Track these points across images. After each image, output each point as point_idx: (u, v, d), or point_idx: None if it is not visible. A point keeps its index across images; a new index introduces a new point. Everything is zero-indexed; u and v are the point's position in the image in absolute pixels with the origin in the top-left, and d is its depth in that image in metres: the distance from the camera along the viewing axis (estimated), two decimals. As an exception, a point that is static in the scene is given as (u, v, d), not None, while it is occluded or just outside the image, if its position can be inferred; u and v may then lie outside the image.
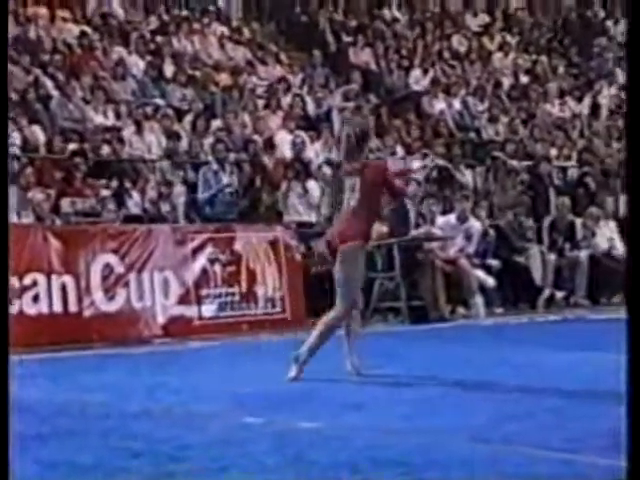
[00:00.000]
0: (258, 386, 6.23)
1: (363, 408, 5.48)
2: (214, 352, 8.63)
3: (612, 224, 13.32)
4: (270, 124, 13.41)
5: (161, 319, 9.40)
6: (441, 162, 13.68)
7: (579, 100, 16.75)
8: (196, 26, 15.22)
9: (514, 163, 13.97)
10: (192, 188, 11.63)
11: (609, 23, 18.97)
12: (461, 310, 11.47)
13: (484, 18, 18.07)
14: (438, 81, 15.67)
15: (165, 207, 11.09)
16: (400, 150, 13.66)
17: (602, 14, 19.17)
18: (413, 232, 11.39)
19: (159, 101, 13.14)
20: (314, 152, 13.04)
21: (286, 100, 14.02)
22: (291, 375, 6.39)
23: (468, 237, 11.87)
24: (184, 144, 12.37)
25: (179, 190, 11.40)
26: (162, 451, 4.28)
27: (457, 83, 15.81)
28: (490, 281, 11.76)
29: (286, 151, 12.83)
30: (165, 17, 15.27)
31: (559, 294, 12.56)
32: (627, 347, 3.65)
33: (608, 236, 13.17)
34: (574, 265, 12.59)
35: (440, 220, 11.80)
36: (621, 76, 17.72)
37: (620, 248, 13.04)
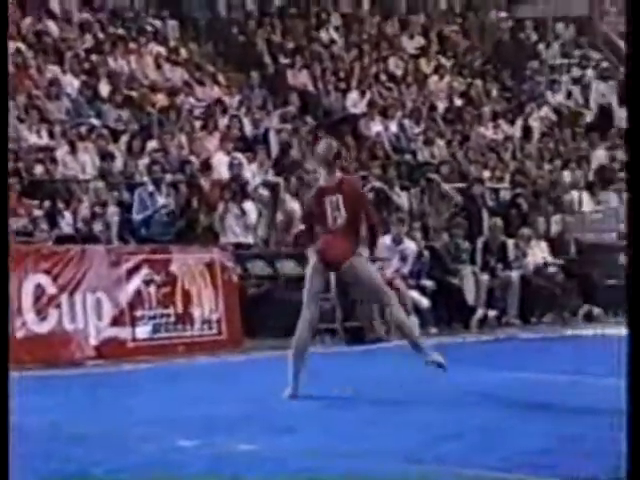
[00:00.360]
0: (193, 408, 6.21)
1: (299, 430, 5.50)
2: (148, 374, 8.56)
3: (543, 244, 13.57)
4: (207, 145, 13.41)
5: (94, 341, 9.30)
6: (377, 184, 13.89)
7: (511, 123, 17.06)
8: (132, 46, 15.14)
9: (447, 186, 14.18)
10: (127, 209, 11.55)
11: (541, 46, 19.37)
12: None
13: (420, 41, 18.32)
14: (375, 103, 15.82)
15: (98, 227, 11.00)
16: (337, 172, 13.73)
17: (534, 37, 19.57)
18: None
19: (94, 121, 13.04)
20: (251, 173, 13.06)
21: (223, 121, 14.03)
22: None
23: (403, 258, 12.00)
24: (119, 164, 12.29)
25: (113, 210, 11.32)
26: (96, 474, 4.24)
27: (393, 105, 15.98)
28: (424, 302, 11.89)
29: (223, 172, 12.83)
30: (100, 35, 15.17)
31: (491, 314, 12.74)
32: (627, 361, 3.82)
33: (539, 256, 13.40)
34: (506, 285, 12.79)
35: (377, 241, 11.90)
36: (552, 98, 18.13)
37: (551, 268, 13.31)
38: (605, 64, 18.81)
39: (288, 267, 12.04)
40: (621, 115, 17.79)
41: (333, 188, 6.80)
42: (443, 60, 17.95)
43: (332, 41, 17.40)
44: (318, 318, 6.92)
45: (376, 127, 15.35)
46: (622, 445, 5.00)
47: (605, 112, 17.88)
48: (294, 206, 12.70)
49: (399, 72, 17.22)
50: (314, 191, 7.01)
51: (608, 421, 5.70)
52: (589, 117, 17.82)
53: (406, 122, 15.80)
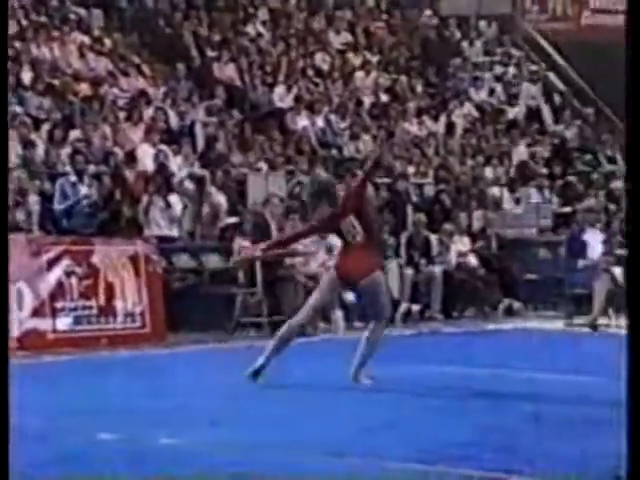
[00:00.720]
0: (115, 402, 6.12)
1: (224, 423, 5.45)
2: (69, 366, 8.43)
3: (465, 239, 13.74)
4: (132, 136, 13.22)
5: (15, 331, 9.11)
6: (304, 178, 13.88)
7: (435, 119, 17.22)
8: (55, 34, 14.86)
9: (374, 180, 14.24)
10: (48, 199, 11.33)
11: (464, 44, 19.60)
12: (322, 325, 11.51)
13: (346, 36, 18.36)
14: (301, 98, 15.80)
15: (20, 216, 10.77)
16: (263, 166, 13.72)
17: (458, 35, 19.79)
18: None
19: (16, 109, 12.76)
20: (176, 166, 12.93)
21: (148, 113, 13.85)
22: None
23: (329, 252, 11.99)
24: (40, 153, 12.05)
25: (34, 200, 11.10)
26: (15, 469, 4.15)
27: (320, 100, 16.00)
28: (350, 296, 11.93)
29: (148, 164, 12.67)
30: (24, 22, 14.84)
31: (415, 308, 12.85)
32: (627, 356, 3.82)
33: (461, 251, 13.55)
34: (429, 280, 12.91)
35: (301, 235, 11.90)
36: (475, 95, 18.36)
37: (473, 262, 13.50)
38: (534, 67, 19.14)
39: (213, 261, 11.98)
40: (547, 116, 18.33)
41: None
42: (369, 56, 18.03)
43: (259, 35, 17.32)
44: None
45: (303, 122, 15.34)
46: (542, 436, 5.13)
47: (533, 114, 18.20)
48: (220, 199, 12.63)
49: (326, 67, 17.24)
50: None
51: (529, 413, 5.84)
52: (510, 114, 18.10)
53: (332, 117, 15.83)
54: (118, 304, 9.89)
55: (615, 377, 6.86)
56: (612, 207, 15.49)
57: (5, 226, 4.75)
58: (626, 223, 4.51)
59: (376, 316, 7.10)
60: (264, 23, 17.82)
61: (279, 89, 15.98)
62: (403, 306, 12.74)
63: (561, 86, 19.16)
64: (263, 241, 11.48)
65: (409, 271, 12.84)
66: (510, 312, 13.33)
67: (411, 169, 15.32)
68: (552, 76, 19.22)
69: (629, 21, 4.00)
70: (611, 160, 17.74)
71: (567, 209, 15.33)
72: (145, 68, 15.38)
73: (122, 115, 13.66)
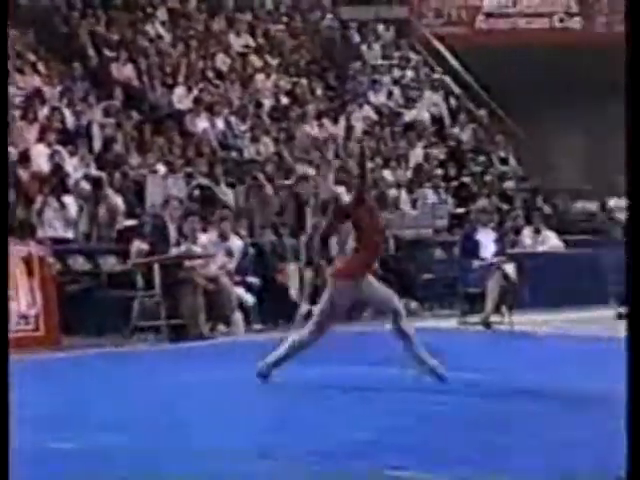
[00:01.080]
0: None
1: (124, 428, 5.37)
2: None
3: None
4: (26, 136, 12.93)
5: None
6: (203, 181, 13.80)
7: (335, 121, 17.33)
8: (-53, 30, 14.42)
9: (273, 183, 14.26)
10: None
11: (364, 47, 19.80)
12: (221, 327, 11.50)
13: (247, 39, 18.34)
14: (201, 100, 15.71)
15: None
16: (162, 168, 13.58)
17: (357, 38, 19.97)
18: (174, 250, 11.29)
19: None
20: (72, 167, 12.69)
21: (43, 112, 13.56)
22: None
23: (229, 255, 11.98)
24: None
25: None
26: None
27: (220, 102, 15.92)
28: (250, 298, 11.93)
29: (42, 165, 12.41)
30: None
31: (315, 309, 12.86)
32: (627, 357, 3.86)
33: None
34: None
35: (201, 238, 11.79)
36: (373, 98, 18.57)
37: None
38: (436, 75, 19.46)
39: (110, 263, 11.79)
40: (446, 119, 18.68)
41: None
42: (269, 59, 18.04)
43: (159, 36, 17.15)
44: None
45: (202, 124, 15.24)
46: (436, 433, 5.19)
47: (436, 120, 18.51)
48: (117, 201, 12.44)
49: (226, 69, 17.18)
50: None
51: (429, 413, 5.91)
52: (408, 117, 18.36)
53: (232, 119, 15.78)
54: (11, 306, 9.63)
55: (503, 373, 7.07)
56: (504, 207, 15.87)
57: (5, 226, 4.70)
58: (627, 225, 4.43)
59: (390, 309, 7.36)
60: (163, 23, 17.65)
61: (179, 90, 15.85)
62: (303, 308, 12.78)
63: (456, 89, 19.53)
64: (162, 243, 11.55)
65: (309, 273, 12.85)
66: (407, 312, 13.47)
67: (311, 171, 15.41)
68: (448, 79, 19.61)
69: (629, 22, 4.07)
70: (504, 161, 18.19)
71: (461, 210, 15.64)
72: (41, 66, 15.06)
73: (17, 114, 13.34)
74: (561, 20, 19.01)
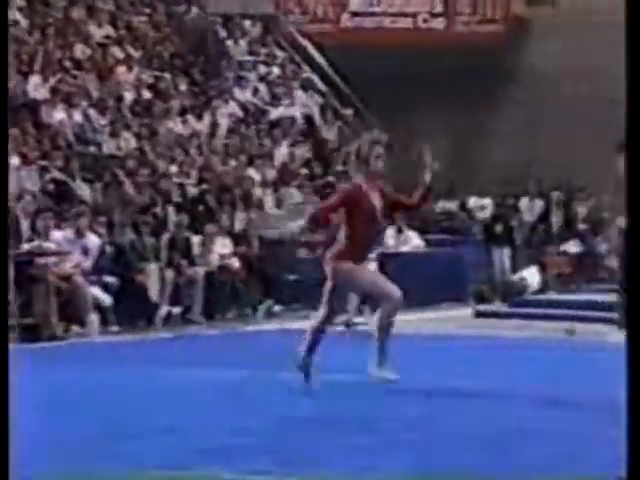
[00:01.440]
0: None
1: None
2: None
3: (227, 240, 13.70)
4: None
5: None
6: (58, 175, 13.35)
7: (199, 118, 17.14)
8: None
9: (135, 179, 13.96)
10: None
11: (229, 43, 19.66)
12: (75, 328, 11.22)
13: (108, 29, 17.87)
14: (58, 90, 15.19)
15: None
16: (16, 161, 13.06)
17: (223, 34, 19.82)
18: (25, 246, 11.05)
19: None
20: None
21: None
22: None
23: (85, 253, 11.69)
24: None
25: None
26: None
27: (78, 94, 15.46)
28: (106, 299, 11.65)
29: None
30: None
31: (176, 311, 12.73)
32: (627, 358, 3.77)
33: (223, 252, 13.52)
34: (191, 282, 12.82)
35: (56, 234, 11.50)
36: (239, 95, 18.46)
37: (235, 263, 13.49)
38: (306, 75, 19.52)
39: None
40: (317, 119, 18.77)
41: None
42: (132, 51, 17.64)
43: (15, 22, 16.48)
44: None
45: (59, 115, 14.75)
46: (300, 436, 5.10)
47: (305, 119, 18.52)
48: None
49: (85, 60, 16.70)
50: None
51: (286, 415, 5.84)
52: (273, 115, 18.35)
53: (91, 112, 15.34)
54: None
55: (363, 373, 7.10)
56: None
57: (5, 226, 4.66)
58: (626, 224, 4.38)
59: (374, 303, 7.28)
60: (20, 9, 17.01)
61: (34, 79, 15.27)
62: (164, 309, 12.60)
63: (323, 87, 19.68)
64: (14, 239, 11.10)
65: (170, 273, 12.67)
66: (270, 313, 13.51)
67: (174, 168, 15.17)
68: (315, 78, 19.71)
69: (629, 20, 4.01)
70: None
71: None
72: None
73: None
74: (425, 20, 19.38)
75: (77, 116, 15.03)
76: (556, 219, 17.18)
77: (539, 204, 17.26)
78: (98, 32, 17.72)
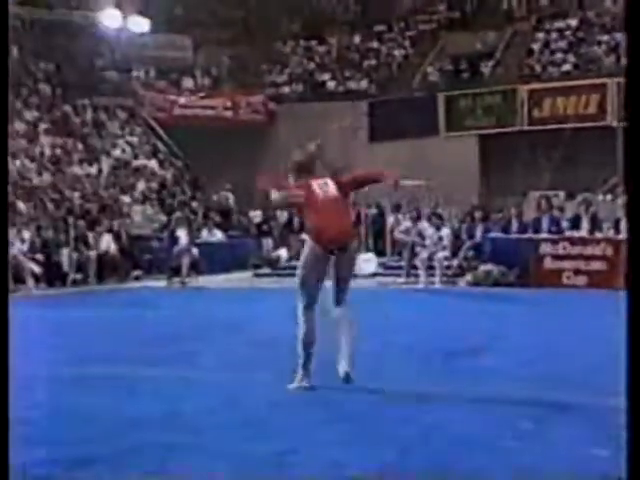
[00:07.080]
0: None
1: None
2: None
3: (109, 236, 13.98)
4: None
5: None
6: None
7: (90, 165, 17.07)
8: None
9: (53, 200, 14.71)
10: None
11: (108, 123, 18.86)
12: (20, 286, 11.45)
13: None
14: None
15: None
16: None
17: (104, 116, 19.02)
18: None
19: None
20: None
21: None
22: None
23: (22, 242, 12.01)
24: None
25: None
26: None
27: (16, 153, 15.30)
28: (37, 269, 12.00)
29: None
30: None
31: (78, 277, 12.95)
32: (627, 355, 2.90)
33: (107, 242, 13.76)
34: (88, 260, 13.23)
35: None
36: (115, 153, 17.96)
37: (114, 249, 13.65)
38: (153, 141, 18.79)
39: None
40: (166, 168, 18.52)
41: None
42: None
43: None
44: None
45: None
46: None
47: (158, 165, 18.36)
48: None
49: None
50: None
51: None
52: (134, 164, 18.02)
53: (26, 161, 15.62)
54: None
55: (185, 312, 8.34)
56: (192, 217, 16.27)
57: (5, 226, 3.71)
58: (627, 223, 2.96)
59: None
60: None
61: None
62: (71, 276, 12.93)
63: (163, 148, 19.36)
64: None
65: (74, 255, 13.12)
66: (137, 278, 14.12)
67: (76, 194, 15.27)
68: (159, 143, 19.36)
69: (629, 18, 3.06)
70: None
71: (167, 217, 16.29)
72: None
73: None
74: (225, 108, 19.96)
75: (17, 163, 15.57)
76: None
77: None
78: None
